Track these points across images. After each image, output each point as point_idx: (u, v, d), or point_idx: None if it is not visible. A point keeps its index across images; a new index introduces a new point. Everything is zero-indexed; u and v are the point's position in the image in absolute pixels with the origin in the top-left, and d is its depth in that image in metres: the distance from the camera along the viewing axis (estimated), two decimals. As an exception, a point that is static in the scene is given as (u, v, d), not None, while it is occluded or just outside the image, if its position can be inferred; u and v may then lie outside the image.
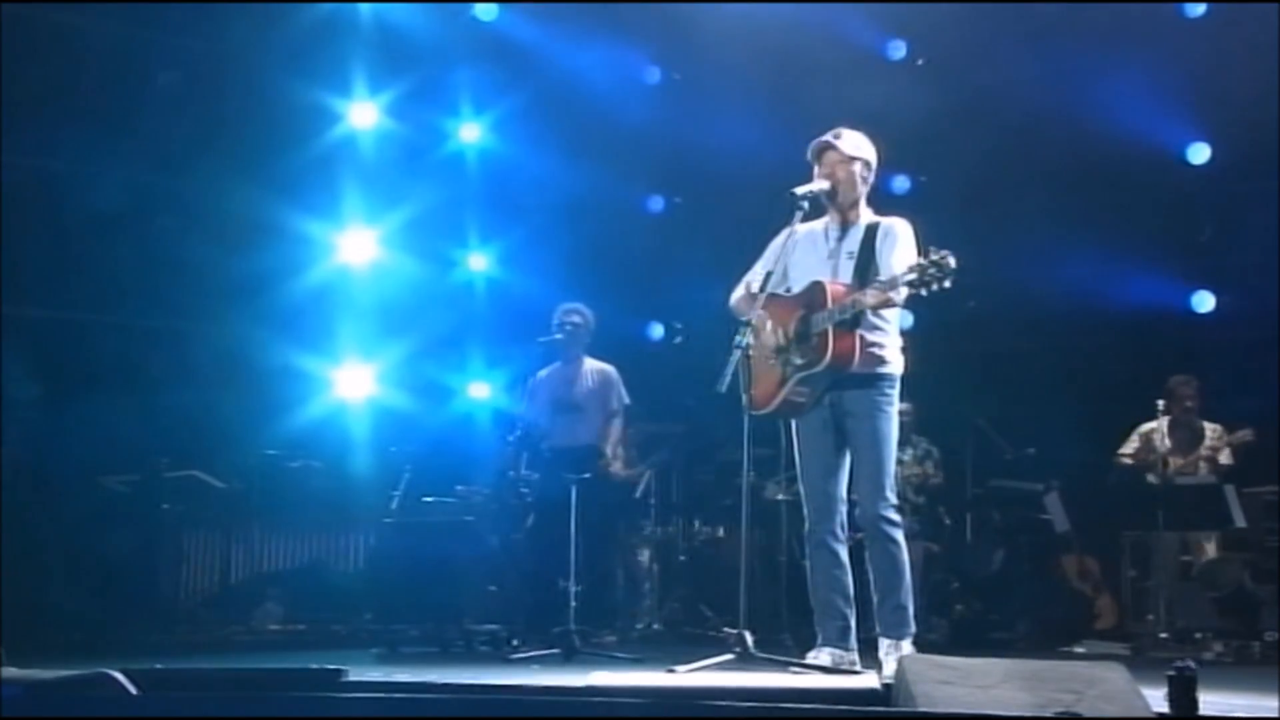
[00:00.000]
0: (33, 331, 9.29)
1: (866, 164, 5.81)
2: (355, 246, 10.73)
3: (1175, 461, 8.66)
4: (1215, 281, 9.94)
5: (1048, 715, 3.66)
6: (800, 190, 5.66)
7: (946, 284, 5.20)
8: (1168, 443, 8.67)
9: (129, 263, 9.65)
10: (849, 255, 5.70)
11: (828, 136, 5.78)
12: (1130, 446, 8.85)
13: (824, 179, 5.73)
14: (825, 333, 5.51)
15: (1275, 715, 4.41)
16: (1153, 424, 8.62)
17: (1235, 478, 8.41)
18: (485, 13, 10.58)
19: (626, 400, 8.56)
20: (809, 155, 5.79)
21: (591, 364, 8.57)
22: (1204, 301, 9.99)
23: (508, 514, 8.58)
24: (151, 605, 8.82)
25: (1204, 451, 8.63)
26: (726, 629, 5.78)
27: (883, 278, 5.48)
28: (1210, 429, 8.72)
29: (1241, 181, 9.57)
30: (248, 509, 9.30)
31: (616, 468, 8.51)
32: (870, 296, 5.42)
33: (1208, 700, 4.01)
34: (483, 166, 10.96)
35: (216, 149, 9.94)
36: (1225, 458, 8.62)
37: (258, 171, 10.04)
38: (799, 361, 5.59)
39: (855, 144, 5.79)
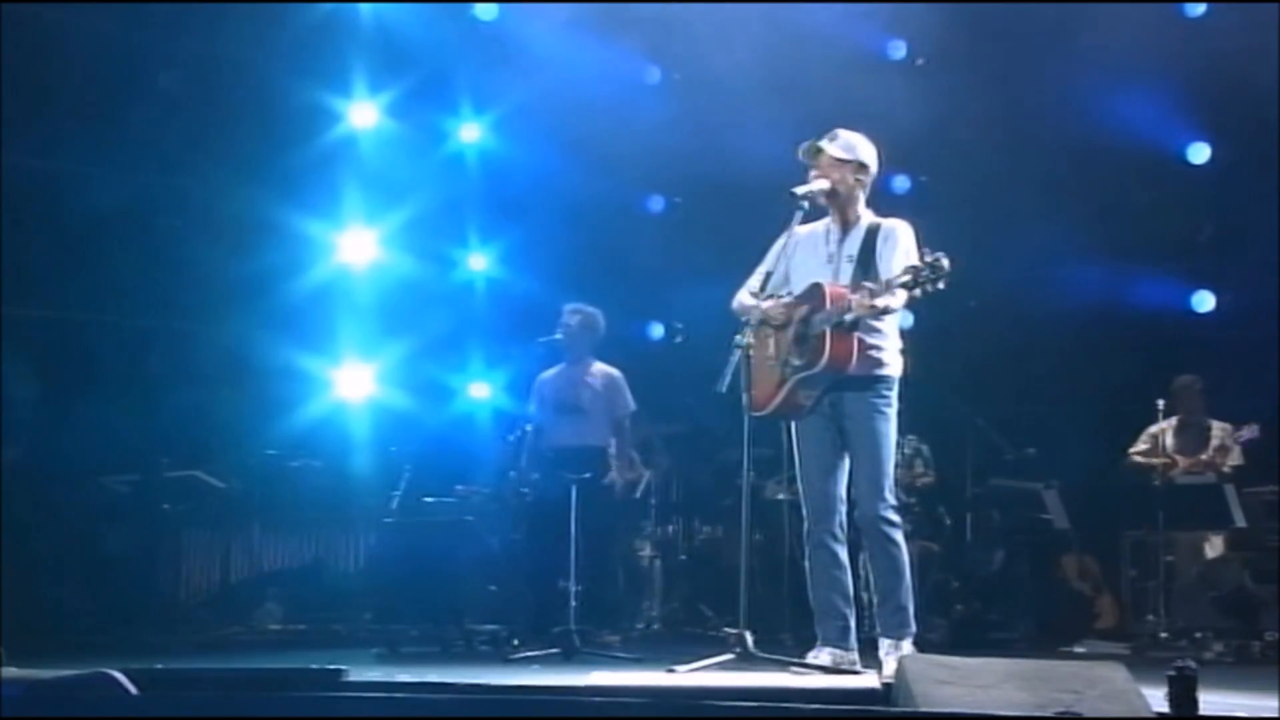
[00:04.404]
0: (33, 331, 9.29)
1: (860, 165, 5.76)
2: (355, 246, 10.72)
3: (1183, 462, 8.66)
4: (1215, 281, 9.94)
5: (1048, 715, 3.66)
6: (800, 190, 5.65)
7: (941, 285, 5.21)
8: (1174, 443, 8.68)
9: (129, 263, 9.66)
10: (849, 259, 5.70)
11: (823, 139, 5.76)
12: (1140, 447, 8.81)
13: (821, 179, 5.73)
14: (823, 334, 5.51)
15: (1275, 715, 4.42)
16: (1161, 425, 8.63)
17: (1240, 477, 8.41)
18: (485, 13, 10.57)
19: (632, 406, 8.54)
20: (800, 155, 5.76)
21: (599, 367, 8.53)
22: (1204, 301, 9.99)
23: (508, 514, 8.58)
24: (151, 605, 8.83)
25: (1211, 452, 8.61)
26: (726, 629, 5.77)
27: (880, 280, 5.48)
28: (1219, 428, 8.70)
29: (1241, 181, 9.57)
30: (248, 509, 9.31)
31: (616, 477, 8.49)
32: (868, 301, 5.42)
33: (1208, 700, 4.02)
34: (483, 166, 10.95)
35: (217, 149, 9.95)
36: (1235, 458, 8.58)
37: (258, 171, 10.05)
38: (798, 363, 5.59)
39: (848, 146, 5.75)
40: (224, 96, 10.11)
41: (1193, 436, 8.75)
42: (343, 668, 4.64)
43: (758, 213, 6.16)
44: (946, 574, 9.03)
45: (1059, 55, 9.57)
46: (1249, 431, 8.55)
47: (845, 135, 5.78)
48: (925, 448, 9.18)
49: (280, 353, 10.22)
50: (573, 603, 7.31)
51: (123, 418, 8.95)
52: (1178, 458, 8.66)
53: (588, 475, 7.78)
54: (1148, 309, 9.78)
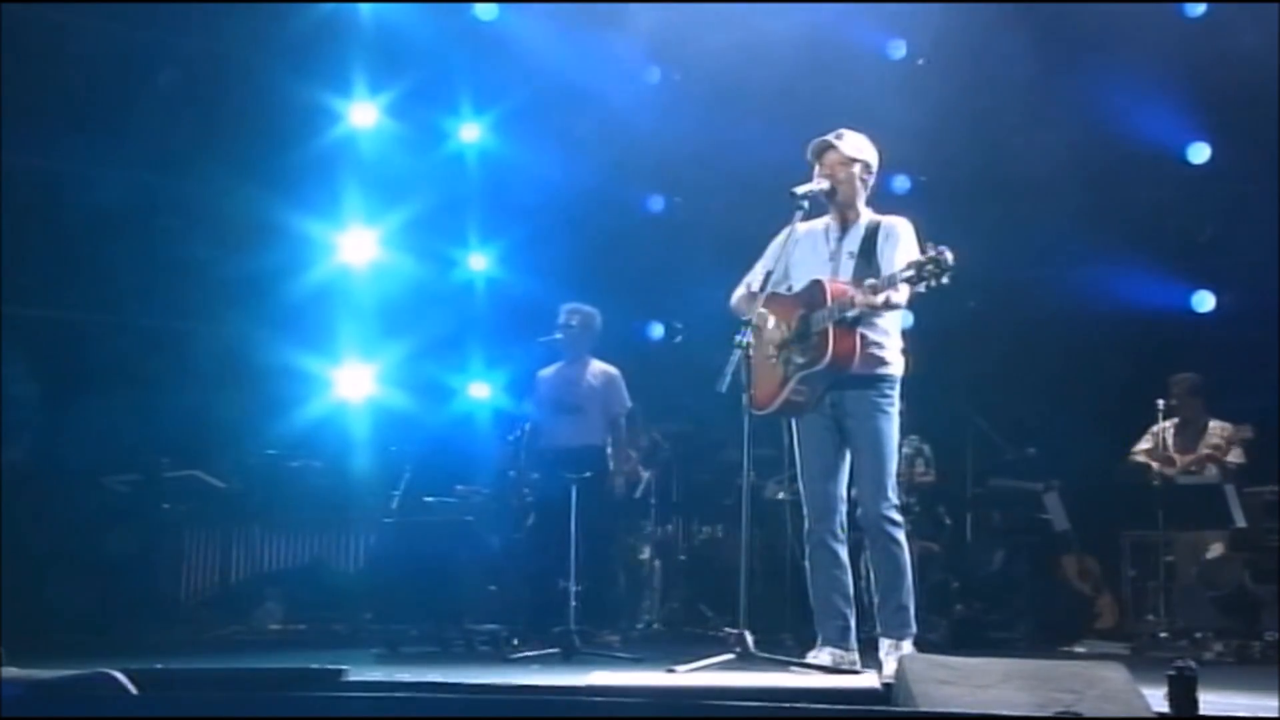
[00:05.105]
0: (33, 331, 9.29)
1: (867, 166, 5.82)
2: (355, 246, 10.73)
3: (1180, 459, 8.67)
4: (1215, 281, 9.94)
5: (1048, 715, 3.66)
6: (800, 189, 5.67)
7: (945, 279, 5.21)
8: (1175, 442, 8.69)
9: (129, 263, 9.65)
10: (850, 255, 5.71)
11: (829, 137, 5.79)
12: (1143, 445, 8.84)
13: (824, 179, 5.74)
14: (826, 331, 5.51)
15: (1275, 715, 4.41)
16: (1163, 424, 8.64)
17: (1241, 477, 8.42)
18: (485, 13, 10.57)
19: (629, 404, 8.55)
20: (809, 155, 5.80)
21: (596, 365, 8.55)
22: (1204, 301, 9.99)
23: (508, 514, 8.58)
24: (151, 605, 8.82)
25: (1204, 449, 8.62)
26: (726, 629, 5.77)
27: (882, 276, 5.49)
28: (1217, 427, 8.71)
29: (1241, 181, 9.57)
30: (248, 509, 9.30)
31: (620, 479, 8.50)
32: (871, 295, 5.43)
33: (1208, 700, 4.01)
34: (483, 166, 10.96)
35: (216, 149, 9.94)
36: (1236, 456, 8.59)
37: (258, 171, 10.04)
38: (800, 360, 5.59)
39: (856, 145, 5.80)
40: (224, 96, 10.10)
41: (1193, 435, 8.76)
42: (343, 668, 4.63)
43: (758, 213, 6.17)
44: (946, 574, 9.04)
45: (1059, 55, 9.56)
46: (1240, 431, 8.58)
47: (851, 135, 5.82)
48: (927, 447, 9.19)
49: (280, 353, 10.21)
50: (573, 603, 7.31)
51: (123, 418, 8.94)
52: (1176, 456, 8.67)
53: (588, 475, 7.77)
54: (1148, 309, 9.78)
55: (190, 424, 9.42)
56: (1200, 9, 9.55)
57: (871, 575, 5.73)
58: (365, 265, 10.77)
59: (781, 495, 8.30)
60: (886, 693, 4.27)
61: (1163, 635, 8.10)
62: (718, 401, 5.49)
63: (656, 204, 11.33)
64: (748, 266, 5.96)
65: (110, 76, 9.63)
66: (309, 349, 10.43)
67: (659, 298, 10.69)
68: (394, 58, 10.48)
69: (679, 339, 9.57)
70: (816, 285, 5.62)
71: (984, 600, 9.09)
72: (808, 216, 5.74)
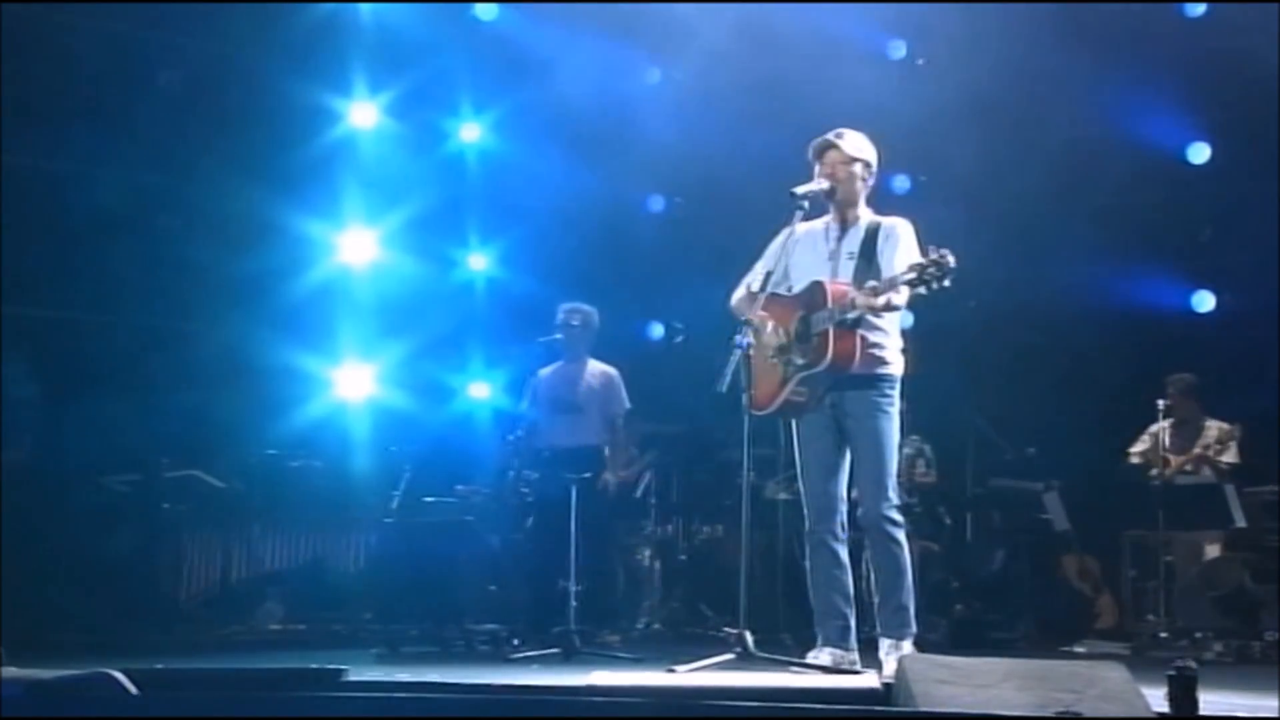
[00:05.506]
0: (33, 331, 9.29)
1: (867, 165, 5.83)
2: (355, 246, 10.72)
3: (1175, 459, 8.67)
4: (1215, 281, 9.94)
5: (1048, 715, 3.66)
6: (800, 189, 5.67)
7: (946, 283, 5.22)
8: (1171, 442, 8.70)
9: (130, 263, 9.65)
10: (849, 255, 5.72)
11: (830, 136, 5.80)
12: (1140, 446, 8.85)
13: (824, 178, 5.74)
14: (826, 333, 5.51)
15: (1275, 715, 4.41)
16: (1161, 424, 8.65)
17: (1238, 477, 8.42)
18: (485, 13, 10.58)
19: (628, 405, 8.55)
20: (810, 154, 5.80)
21: (595, 365, 8.56)
22: (1204, 301, 10.00)
23: (508, 514, 8.58)
24: (151, 605, 8.81)
25: (1199, 449, 8.62)
26: (727, 629, 5.78)
27: (883, 278, 5.49)
28: (1213, 427, 8.71)
29: (1241, 181, 9.57)
30: (248, 509, 9.30)
31: (610, 478, 8.49)
32: (871, 297, 5.43)
33: (1208, 700, 4.02)
34: (483, 166, 10.96)
35: (217, 149, 9.94)
36: (1229, 456, 8.59)
37: (258, 171, 10.03)
38: (800, 361, 5.60)
39: (856, 145, 5.81)
40: (224, 96, 10.09)
41: (1189, 436, 8.77)
42: (343, 668, 4.63)
43: (758, 213, 6.18)
44: (946, 574, 9.04)
45: (1059, 55, 9.56)
46: (1230, 430, 8.59)
47: (852, 134, 5.83)
48: (927, 447, 9.19)
49: (280, 353, 10.20)
50: (573, 603, 7.32)
51: (123, 418, 8.94)
52: (1171, 456, 8.68)
53: (588, 475, 7.78)
54: (1148, 309, 9.79)
55: (190, 424, 9.42)
56: (1200, 9, 9.56)
57: (872, 575, 5.73)
58: (365, 265, 10.76)
59: (781, 495, 8.31)
60: (886, 693, 4.28)
61: (1163, 635, 8.10)
62: (718, 401, 5.49)
63: (656, 204, 11.32)
64: (748, 266, 5.96)
65: (111, 77, 9.62)
66: (309, 349, 10.41)
67: (659, 298, 10.69)
68: (394, 58, 10.48)
69: (679, 339, 9.56)
70: (817, 286, 5.62)
71: (984, 600, 9.08)
72: (808, 216, 5.74)
